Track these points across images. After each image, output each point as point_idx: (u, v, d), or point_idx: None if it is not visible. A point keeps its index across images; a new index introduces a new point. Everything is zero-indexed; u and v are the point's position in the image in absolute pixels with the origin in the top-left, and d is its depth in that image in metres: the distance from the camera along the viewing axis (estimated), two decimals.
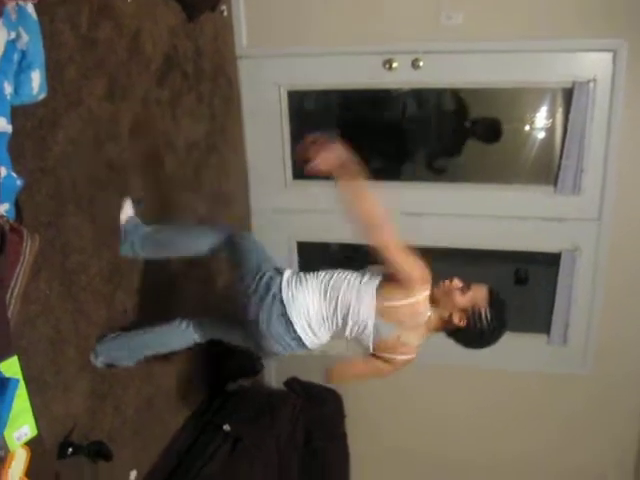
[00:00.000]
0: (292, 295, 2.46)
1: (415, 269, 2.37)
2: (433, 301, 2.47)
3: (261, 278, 2.50)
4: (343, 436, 4.14)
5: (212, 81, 3.73)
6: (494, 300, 2.45)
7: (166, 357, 3.34)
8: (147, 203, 3.04)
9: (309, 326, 2.48)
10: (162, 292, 3.29)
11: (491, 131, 4.15)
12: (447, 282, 2.49)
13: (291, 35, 3.97)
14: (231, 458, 3.35)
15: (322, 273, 2.57)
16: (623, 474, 4.41)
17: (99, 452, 2.68)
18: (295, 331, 2.47)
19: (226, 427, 3.47)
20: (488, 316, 2.41)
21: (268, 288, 2.48)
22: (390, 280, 2.41)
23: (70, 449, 2.54)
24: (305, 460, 3.82)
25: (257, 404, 3.81)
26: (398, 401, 4.61)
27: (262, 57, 4.08)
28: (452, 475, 4.45)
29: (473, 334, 2.45)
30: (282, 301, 2.45)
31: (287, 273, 2.56)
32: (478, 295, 2.44)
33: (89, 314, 2.66)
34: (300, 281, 2.52)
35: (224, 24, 3.87)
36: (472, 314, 2.42)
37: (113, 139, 2.76)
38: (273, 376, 4.71)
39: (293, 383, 4.23)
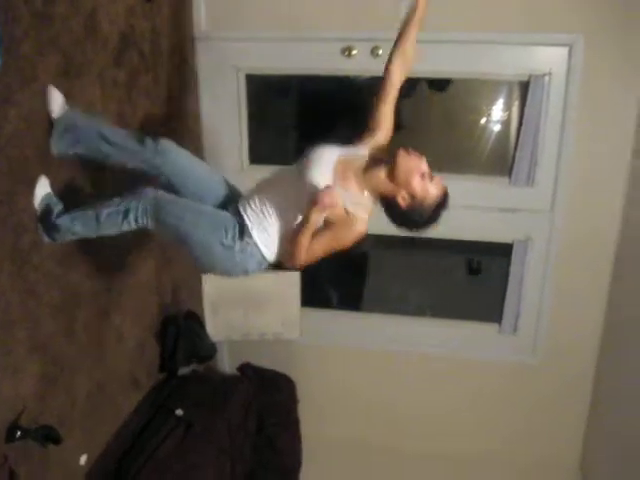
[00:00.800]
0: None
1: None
2: (387, 169, 2.43)
3: (231, 251, 2.47)
4: (296, 422, 4.16)
5: (169, 62, 3.67)
6: (444, 202, 2.46)
7: (118, 339, 3.32)
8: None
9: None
10: (114, 274, 3.25)
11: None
12: (415, 158, 2.42)
13: (251, 18, 3.93)
14: (183, 442, 3.34)
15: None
16: (568, 464, 4.53)
17: (48, 436, 2.64)
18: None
19: (178, 412, 3.46)
20: (429, 213, 2.46)
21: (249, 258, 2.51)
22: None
23: (19, 433, 2.50)
24: (258, 445, 3.83)
25: (210, 389, 3.80)
26: (350, 388, 4.64)
27: (221, 40, 4.03)
28: (401, 464, 4.49)
29: (406, 217, 2.49)
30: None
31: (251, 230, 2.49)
32: (434, 191, 2.42)
33: (40, 295, 2.62)
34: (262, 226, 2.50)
35: (182, 5, 3.82)
36: (418, 203, 2.42)
37: None
38: (226, 361, 4.70)
39: (246, 368, 4.24)
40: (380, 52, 3.83)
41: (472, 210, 4.09)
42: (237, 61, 4.07)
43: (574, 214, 3.97)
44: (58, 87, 2.59)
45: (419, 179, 2.38)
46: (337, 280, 4.93)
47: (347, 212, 2.42)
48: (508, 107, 4.05)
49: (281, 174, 2.64)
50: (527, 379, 4.42)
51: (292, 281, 4.26)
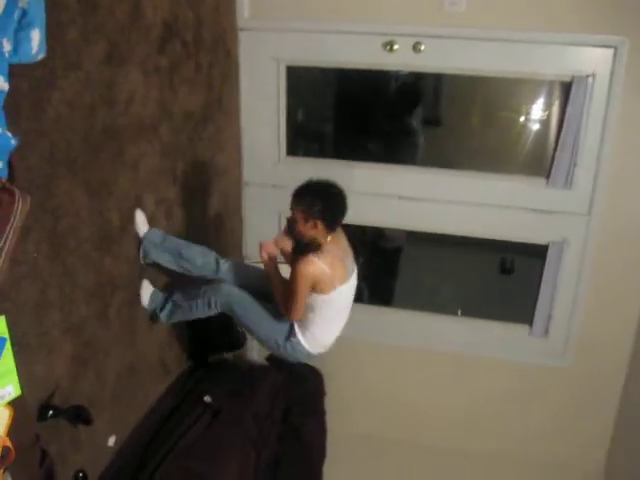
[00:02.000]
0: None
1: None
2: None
3: (284, 347, 3.15)
4: (322, 413, 4.17)
5: (211, 52, 3.70)
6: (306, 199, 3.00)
7: (150, 325, 3.36)
8: (143, 169, 3.04)
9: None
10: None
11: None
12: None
13: (293, 9, 3.94)
14: (210, 429, 3.36)
15: None
16: (592, 468, 4.48)
17: (79, 416, 2.68)
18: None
19: (207, 398, 3.48)
20: (317, 204, 2.94)
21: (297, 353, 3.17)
22: None
23: (50, 412, 2.54)
24: (283, 435, 3.85)
25: (238, 377, 3.82)
26: (377, 383, 4.65)
27: (263, 30, 4.05)
28: (425, 461, 4.49)
29: (328, 212, 2.95)
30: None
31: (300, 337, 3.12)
32: (299, 215, 2.98)
33: (76, 278, 2.66)
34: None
35: None
36: (315, 219, 2.91)
37: (110, 104, 2.74)
38: (255, 350, 4.73)
39: (275, 358, 4.24)
40: (422, 48, 3.82)
41: (508, 210, 4.06)
42: (278, 52, 4.08)
43: (611, 218, 3.91)
44: (102, 73, 2.63)
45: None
46: (369, 275, 4.92)
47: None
48: (548, 107, 4.00)
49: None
50: (556, 382, 4.39)
51: None
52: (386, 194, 4.22)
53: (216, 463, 3.19)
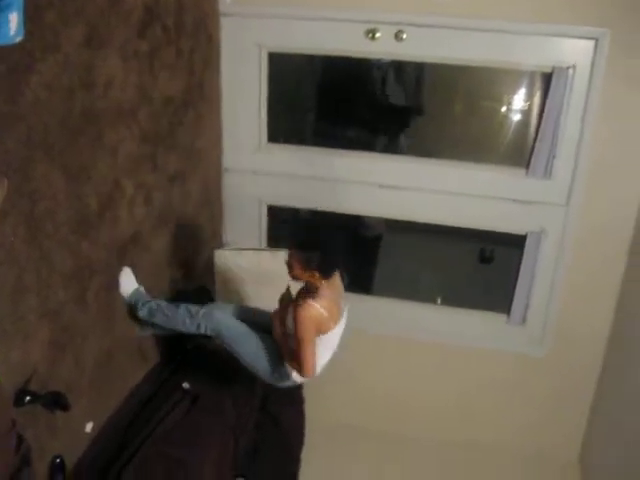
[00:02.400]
0: None
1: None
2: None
3: (274, 375, 3.25)
4: (300, 401, 4.18)
5: (192, 37, 3.67)
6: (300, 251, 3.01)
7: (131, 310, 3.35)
8: (122, 154, 3.02)
9: None
10: (128, 246, 3.27)
11: None
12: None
13: None
14: (189, 415, 3.37)
15: None
16: (568, 457, 4.55)
17: (56, 402, 2.67)
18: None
19: (185, 385, 3.49)
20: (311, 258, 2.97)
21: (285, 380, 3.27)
22: None
23: (27, 397, 2.53)
24: (262, 422, 3.86)
25: (217, 364, 3.81)
26: (356, 372, 4.66)
27: (245, 16, 4.02)
28: (403, 450, 4.53)
29: (324, 264, 3.00)
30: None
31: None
32: (295, 262, 3.01)
33: (53, 262, 2.64)
34: None
35: None
36: (311, 268, 2.97)
37: (88, 88, 2.71)
38: None
39: None
40: (404, 36, 3.82)
41: (487, 199, 4.08)
42: (260, 38, 4.06)
43: (590, 209, 3.95)
44: (80, 57, 2.60)
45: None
46: (349, 262, 4.93)
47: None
48: (529, 98, 4.02)
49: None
50: (533, 370, 4.43)
51: None
52: (367, 182, 4.23)
53: (194, 449, 3.20)
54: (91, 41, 2.68)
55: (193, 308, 3.32)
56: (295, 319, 2.94)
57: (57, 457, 2.79)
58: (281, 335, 3.15)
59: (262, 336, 3.24)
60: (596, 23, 3.58)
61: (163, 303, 3.36)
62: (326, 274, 2.98)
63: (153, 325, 3.40)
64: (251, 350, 3.22)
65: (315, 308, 2.94)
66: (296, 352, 3.01)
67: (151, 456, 3.08)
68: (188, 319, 3.28)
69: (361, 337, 4.58)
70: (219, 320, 3.27)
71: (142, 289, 3.34)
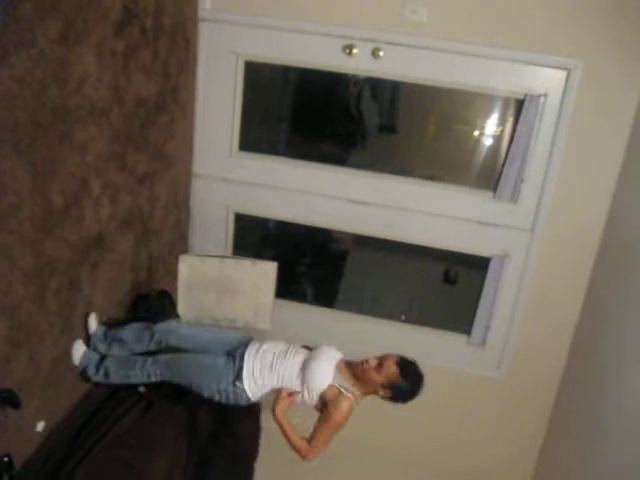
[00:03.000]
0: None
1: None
2: (356, 377, 3.07)
3: (227, 393, 3.16)
4: (257, 410, 4.15)
5: (170, 40, 3.65)
6: (404, 369, 3.03)
7: (88, 311, 3.31)
8: (91, 153, 3.00)
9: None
10: (91, 246, 3.24)
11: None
12: (364, 364, 3.03)
13: (256, 4, 3.91)
14: (142, 421, 3.32)
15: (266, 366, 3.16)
16: (522, 476, 4.59)
17: (7, 399, 2.64)
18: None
19: (141, 389, 3.45)
20: (403, 385, 3.01)
21: (239, 398, 3.18)
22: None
23: None
24: (217, 430, 3.83)
25: None
26: None
27: (224, 22, 4.01)
28: (356, 459, 4.53)
29: (399, 399, 3.06)
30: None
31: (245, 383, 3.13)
32: (390, 371, 3.00)
33: (14, 259, 2.60)
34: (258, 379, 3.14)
35: None
36: (391, 388, 3.01)
37: (61, 84, 2.68)
38: None
39: None
40: (381, 54, 3.86)
41: (453, 220, 4.13)
42: (238, 46, 4.06)
43: (554, 235, 4.01)
44: (55, 52, 2.58)
45: (377, 374, 3.03)
46: (314, 275, 4.94)
47: (339, 391, 3.01)
48: (502, 123, 4.08)
49: (294, 350, 3.22)
50: (490, 391, 4.48)
51: (268, 271, 4.27)
52: (336, 196, 4.25)
53: (146, 454, 3.16)
54: (67, 37, 2.65)
55: (140, 359, 3.34)
56: (340, 405, 2.99)
57: (5, 456, 2.74)
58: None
59: (208, 358, 3.23)
60: (569, 54, 3.65)
61: (112, 366, 3.36)
62: (391, 399, 3.07)
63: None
64: (200, 372, 3.20)
65: (357, 404, 3.06)
66: (315, 433, 3.05)
67: (101, 459, 3.03)
68: (139, 372, 3.32)
69: None
70: (165, 361, 3.29)
71: (93, 353, 3.37)
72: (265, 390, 3.14)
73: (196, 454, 3.58)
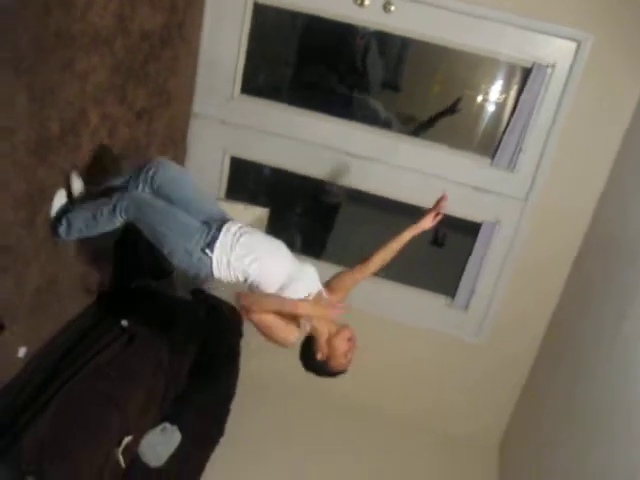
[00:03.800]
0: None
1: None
2: (334, 336, 2.81)
3: (191, 257, 2.80)
4: (236, 354, 4.21)
5: None
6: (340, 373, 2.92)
7: (78, 240, 3.31)
8: (92, 82, 2.96)
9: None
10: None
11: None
12: (353, 345, 2.86)
13: None
14: (123, 353, 3.35)
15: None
16: (488, 443, 4.69)
17: None
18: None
19: (124, 322, 3.46)
20: (327, 372, 2.89)
21: (202, 267, 2.83)
22: None
23: None
24: (195, 369, 3.87)
25: (159, 306, 3.81)
26: None
27: None
28: (329, 413, 4.60)
29: (309, 363, 2.88)
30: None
31: (215, 253, 2.79)
32: (345, 366, 2.89)
33: (6, 183, 2.59)
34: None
35: None
36: (326, 365, 2.84)
37: (66, 8, 2.63)
38: (179, 283, 4.71)
39: (199, 293, 4.26)
40: (392, 8, 3.80)
41: (448, 183, 4.11)
42: None
43: (547, 207, 4.02)
44: None
45: (344, 359, 2.83)
46: (304, 225, 4.94)
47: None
48: (506, 90, 4.05)
49: (282, 249, 2.96)
50: (467, 356, 4.53)
51: (261, 216, 4.27)
52: (334, 148, 4.22)
53: (124, 386, 3.20)
54: None
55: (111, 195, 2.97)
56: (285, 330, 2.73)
57: None
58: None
59: (185, 216, 2.87)
60: (581, 26, 3.61)
61: (85, 207, 3.01)
62: (306, 360, 2.93)
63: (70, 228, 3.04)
64: (172, 223, 2.82)
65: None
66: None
67: (79, 388, 3.08)
68: (105, 208, 2.91)
69: None
70: (137, 197, 2.91)
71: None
72: (231, 275, 2.83)
73: (173, 390, 3.63)
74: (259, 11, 4.08)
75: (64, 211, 3.02)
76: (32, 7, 2.41)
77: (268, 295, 2.77)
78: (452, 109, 4.21)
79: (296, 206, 4.93)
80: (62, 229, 3.01)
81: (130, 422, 3.16)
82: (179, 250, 2.80)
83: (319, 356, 2.79)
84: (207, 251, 2.78)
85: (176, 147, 4.27)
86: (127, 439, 3.14)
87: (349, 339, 2.81)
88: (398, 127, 4.31)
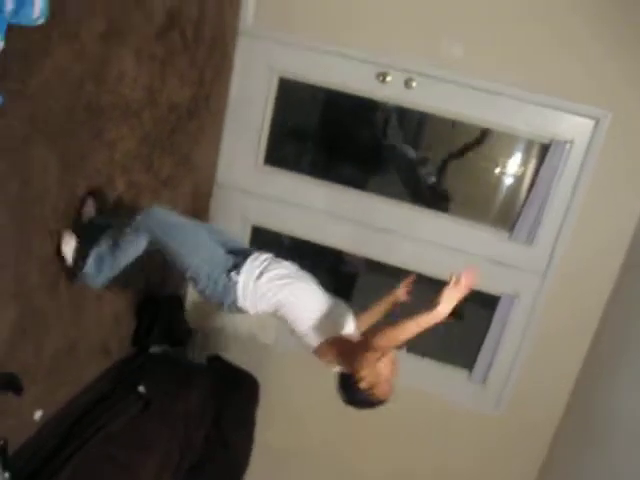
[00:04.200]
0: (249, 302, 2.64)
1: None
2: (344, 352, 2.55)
3: (216, 283, 2.61)
4: (252, 423, 4.17)
5: (208, 49, 3.72)
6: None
7: (98, 305, 3.34)
8: (120, 151, 3.05)
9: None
10: None
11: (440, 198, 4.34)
12: (395, 369, 2.55)
13: (297, 24, 3.99)
14: (137, 421, 3.34)
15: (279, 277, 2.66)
16: None
17: (10, 383, 2.66)
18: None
19: (141, 388, 3.46)
20: (364, 398, 2.53)
21: (226, 294, 2.63)
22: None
23: None
24: (210, 438, 3.84)
25: (176, 373, 3.81)
26: (310, 402, 4.66)
27: (262, 38, 4.07)
28: None
29: (351, 395, 2.56)
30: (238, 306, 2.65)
31: (241, 278, 2.61)
32: (388, 394, 2.55)
33: (34, 247, 2.64)
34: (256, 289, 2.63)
35: None
36: (370, 394, 2.50)
37: (98, 81, 2.74)
38: (197, 350, 4.71)
39: (215, 360, 4.26)
40: (414, 85, 3.90)
41: (467, 256, 4.13)
42: (274, 62, 4.12)
43: (566, 281, 4.01)
44: (97, 49, 2.64)
45: (388, 385, 2.52)
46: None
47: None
48: (523, 163, 4.11)
49: (312, 280, 2.80)
50: (485, 429, 4.46)
51: None
52: (352, 219, 4.27)
53: (138, 454, 3.17)
54: (110, 35, 2.72)
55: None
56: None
57: (0, 439, 2.76)
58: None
59: (210, 241, 2.73)
60: (599, 104, 3.68)
61: (106, 239, 2.83)
62: (344, 389, 2.61)
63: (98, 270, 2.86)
64: (196, 243, 2.66)
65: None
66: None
67: (93, 454, 3.06)
68: (128, 229, 2.73)
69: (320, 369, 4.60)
70: (158, 211, 2.73)
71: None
72: (258, 303, 2.64)
73: (188, 459, 3.59)
74: (284, 85, 4.21)
75: (89, 248, 2.83)
76: (67, 80, 2.51)
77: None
78: (479, 141, 4.24)
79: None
80: (89, 266, 2.82)
81: None
82: (204, 276, 2.62)
83: (362, 385, 2.46)
84: (232, 274, 2.60)
85: (199, 217, 4.33)
86: None
87: (393, 362, 2.53)
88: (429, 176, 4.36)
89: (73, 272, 2.87)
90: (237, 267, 2.62)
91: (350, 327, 2.67)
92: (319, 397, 4.65)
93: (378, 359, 2.43)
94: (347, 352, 2.52)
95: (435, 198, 4.43)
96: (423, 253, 4.23)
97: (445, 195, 4.45)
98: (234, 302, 2.64)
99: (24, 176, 2.45)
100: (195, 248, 2.64)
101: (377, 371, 2.45)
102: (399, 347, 2.49)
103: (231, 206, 4.47)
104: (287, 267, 2.73)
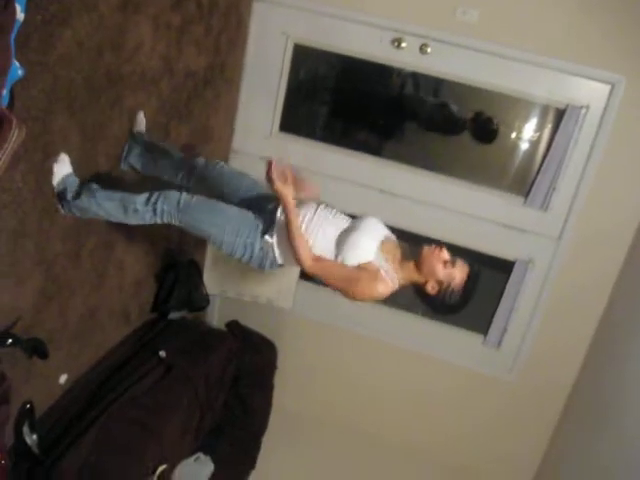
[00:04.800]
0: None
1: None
2: (415, 262, 2.62)
3: (252, 249, 2.65)
4: (270, 387, 4.25)
5: (224, 17, 3.72)
6: (469, 284, 2.64)
7: (119, 272, 3.40)
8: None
9: None
10: None
11: (486, 132, 4.25)
12: (437, 250, 2.59)
13: None
14: (159, 384, 3.42)
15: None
16: None
17: (36, 348, 2.74)
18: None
19: (162, 353, 3.54)
20: (457, 296, 2.63)
21: (265, 257, 2.67)
22: None
23: (10, 340, 2.59)
24: (230, 402, 3.93)
25: (195, 338, 3.88)
26: (328, 366, 4.74)
27: (277, 4, 4.07)
28: (358, 447, 4.61)
29: (436, 302, 2.68)
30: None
31: (275, 238, 2.64)
32: (458, 275, 2.59)
33: (55, 217, 2.70)
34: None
35: None
36: (445, 288, 2.60)
37: (117, 50, 2.77)
38: (216, 315, 4.80)
39: (234, 326, 4.32)
40: (429, 50, 3.89)
41: (482, 221, 4.15)
42: (289, 28, 4.11)
43: (580, 246, 4.03)
44: (114, 19, 2.66)
45: (442, 268, 2.58)
46: None
47: (379, 270, 2.57)
48: (539, 129, 4.09)
49: (332, 214, 2.76)
50: (498, 393, 4.52)
51: None
52: (368, 185, 4.29)
53: (160, 417, 3.26)
54: (127, 5, 2.73)
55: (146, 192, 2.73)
56: (373, 284, 2.57)
57: (27, 403, 2.84)
58: None
59: (235, 208, 2.72)
60: (615, 69, 3.66)
61: (108, 191, 2.73)
62: (432, 299, 2.69)
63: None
64: (226, 221, 2.65)
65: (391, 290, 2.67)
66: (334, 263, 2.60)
67: (117, 417, 3.14)
68: (141, 200, 2.69)
69: (339, 333, 4.66)
70: (179, 199, 2.67)
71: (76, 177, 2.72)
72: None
73: (208, 422, 3.68)
74: (299, 51, 4.20)
75: (69, 194, 2.68)
76: (87, 50, 2.54)
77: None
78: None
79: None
80: (75, 206, 2.69)
81: (165, 451, 3.22)
82: (239, 246, 2.65)
83: (430, 290, 2.60)
84: (267, 237, 2.64)
85: None
86: (162, 467, 3.19)
87: (434, 251, 2.59)
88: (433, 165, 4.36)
89: (57, 196, 2.69)
90: (269, 228, 2.65)
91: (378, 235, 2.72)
92: (335, 362, 4.75)
93: (373, 277, 2.55)
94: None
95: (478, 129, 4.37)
96: (437, 218, 4.25)
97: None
98: (274, 261, 2.69)
99: (46, 148, 2.49)
100: (224, 225, 2.64)
101: (429, 270, 2.58)
102: (299, 253, 2.54)
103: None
104: (311, 211, 2.69)
